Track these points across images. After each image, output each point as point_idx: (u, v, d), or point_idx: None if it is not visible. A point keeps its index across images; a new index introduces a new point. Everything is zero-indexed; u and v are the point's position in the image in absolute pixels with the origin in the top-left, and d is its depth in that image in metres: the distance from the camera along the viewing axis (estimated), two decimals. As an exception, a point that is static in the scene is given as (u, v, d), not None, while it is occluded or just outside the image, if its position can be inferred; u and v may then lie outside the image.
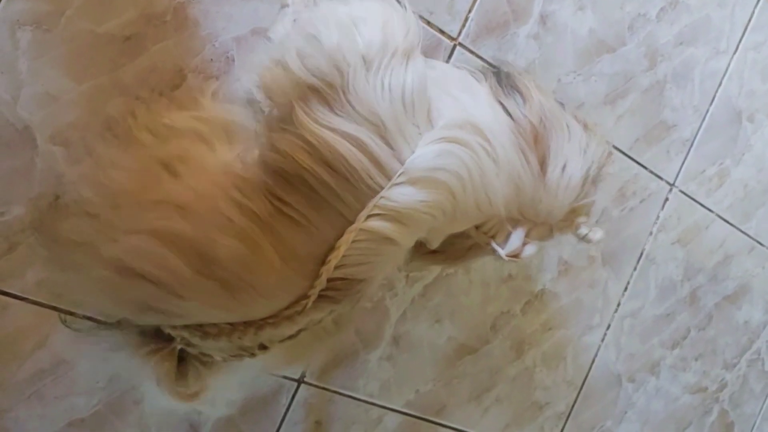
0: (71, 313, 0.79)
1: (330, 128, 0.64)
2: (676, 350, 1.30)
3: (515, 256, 0.78)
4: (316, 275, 0.66)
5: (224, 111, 0.74)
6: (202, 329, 0.67)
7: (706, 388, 1.37)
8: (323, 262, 0.65)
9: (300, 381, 0.97)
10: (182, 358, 0.71)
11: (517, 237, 0.78)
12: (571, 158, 0.75)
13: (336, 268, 0.65)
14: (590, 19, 1.04)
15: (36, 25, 0.72)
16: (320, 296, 0.67)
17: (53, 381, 0.82)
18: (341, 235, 0.65)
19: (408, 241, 0.71)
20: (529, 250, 0.78)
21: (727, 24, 1.18)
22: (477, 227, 0.78)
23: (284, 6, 0.82)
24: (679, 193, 1.21)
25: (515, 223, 0.77)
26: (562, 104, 0.82)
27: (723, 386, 1.39)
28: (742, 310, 1.36)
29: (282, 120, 0.66)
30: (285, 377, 0.95)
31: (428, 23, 0.92)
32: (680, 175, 1.20)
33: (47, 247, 0.74)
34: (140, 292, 0.64)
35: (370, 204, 0.65)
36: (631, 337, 1.24)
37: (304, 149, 0.63)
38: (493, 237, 0.78)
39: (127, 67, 0.77)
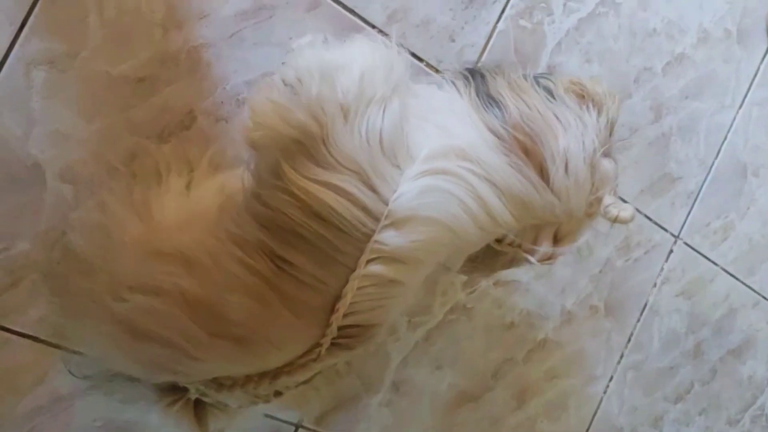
0: (76, 352, 0.79)
1: (315, 181, 0.64)
2: (679, 404, 1.29)
3: (548, 258, 0.77)
4: (327, 324, 0.66)
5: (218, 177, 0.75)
6: (217, 381, 0.67)
7: (710, 444, 1.35)
8: (332, 311, 0.65)
9: (298, 425, 0.96)
10: (198, 403, 0.71)
11: (544, 241, 0.77)
12: (570, 154, 0.72)
13: (345, 315, 0.65)
14: (596, 69, 1.05)
15: (51, 65, 0.74)
16: (333, 344, 0.67)
17: (50, 418, 0.81)
18: (346, 283, 0.65)
19: (414, 279, 0.70)
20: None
21: (733, 79, 1.19)
22: (498, 241, 0.76)
23: (291, 50, 0.84)
24: (684, 246, 1.21)
25: (538, 228, 0.76)
26: (548, 80, 0.79)
27: (727, 442, 1.37)
28: (746, 364, 1.35)
29: (270, 174, 0.66)
30: (283, 421, 0.95)
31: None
32: (685, 228, 1.21)
33: (57, 295, 0.75)
34: (154, 353, 0.65)
35: (367, 249, 0.65)
36: (634, 390, 1.23)
37: (294, 204, 0.63)
38: (519, 246, 0.77)
39: (139, 108, 0.78)
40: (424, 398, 1.04)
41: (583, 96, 0.79)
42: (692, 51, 1.14)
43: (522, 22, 0.99)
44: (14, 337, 0.76)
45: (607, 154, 0.77)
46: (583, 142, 0.73)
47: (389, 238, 0.65)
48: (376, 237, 0.65)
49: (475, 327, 1.05)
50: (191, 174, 0.78)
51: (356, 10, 0.88)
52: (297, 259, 0.64)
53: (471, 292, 1.03)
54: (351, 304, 0.65)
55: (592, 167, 0.74)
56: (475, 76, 0.77)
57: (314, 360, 0.68)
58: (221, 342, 0.64)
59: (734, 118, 1.21)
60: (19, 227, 0.75)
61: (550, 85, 0.78)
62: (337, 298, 0.66)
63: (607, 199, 0.76)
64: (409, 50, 0.91)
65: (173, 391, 0.71)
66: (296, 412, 0.94)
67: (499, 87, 0.75)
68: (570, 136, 0.72)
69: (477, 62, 0.96)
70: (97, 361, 0.76)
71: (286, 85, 0.69)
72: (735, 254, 1.28)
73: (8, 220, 0.74)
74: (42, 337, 0.78)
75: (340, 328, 0.66)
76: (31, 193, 0.75)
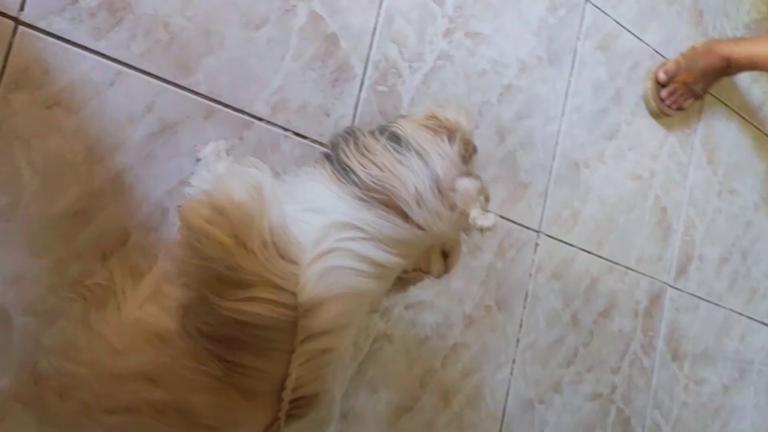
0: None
1: (237, 299, 0.74)
2: (571, 368, 1.52)
3: (444, 272, 0.93)
4: (279, 400, 0.77)
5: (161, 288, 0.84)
6: None
7: (602, 394, 1.59)
8: (281, 390, 0.77)
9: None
10: None
11: (435, 260, 0.92)
12: (419, 193, 0.83)
13: (293, 390, 0.77)
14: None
15: (-3, 219, 0.83)
16: (288, 415, 0.78)
17: None
18: (287, 365, 0.76)
19: (344, 342, 0.83)
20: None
21: (552, 95, 1.45)
22: (404, 273, 0.90)
23: (198, 159, 0.97)
24: (546, 237, 1.45)
25: (427, 252, 0.90)
26: (397, 127, 0.89)
27: (614, 388, 1.62)
28: (614, 321, 1.61)
29: (200, 302, 0.76)
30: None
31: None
32: (543, 223, 1.44)
33: (41, 418, 0.83)
34: None
35: (298, 334, 0.76)
36: (533, 366, 1.44)
37: (227, 320, 0.74)
38: (421, 270, 0.92)
39: (79, 237, 0.88)
40: (368, 420, 1.19)
41: (438, 128, 0.93)
42: (516, 80, 1.38)
43: (380, 88, 1.18)
44: (10, 466, 0.84)
45: (466, 174, 0.88)
46: (427, 170, 0.85)
47: (311, 321, 0.77)
48: (300, 323, 0.76)
49: (397, 349, 1.22)
50: (138, 280, 0.89)
51: (245, 110, 1.02)
52: (241, 357, 0.76)
53: (388, 321, 1.20)
54: (296, 379, 0.77)
55: (445, 194, 0.85)
56: (334, 148, 0.89)
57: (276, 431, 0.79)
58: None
59: (560, 126, 1.47)
60: (-4, 368, 0.83)
61: (398, 131, 0.90)
62: (281, 379, 0.77)
63: (473, 213, 0.85)
64: (294, 131, 1.07)
65: None
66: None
67: (349, 155, 0.86)
68: (416, 178, 0.84)
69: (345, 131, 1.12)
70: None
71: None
72: (586, 234, 1.53)
73: (-14, 364, 0.82)
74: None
75: (291, 401, 0.78)
76: (2, 334, 0.83)
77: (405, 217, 0.84)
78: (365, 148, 0.87)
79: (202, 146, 0.97)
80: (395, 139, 0.88)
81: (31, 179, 0.85)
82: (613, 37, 1.58)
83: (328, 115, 1.12)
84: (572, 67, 1.49)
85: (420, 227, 0.84)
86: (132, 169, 0.92)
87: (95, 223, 0.89)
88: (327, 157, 0.90)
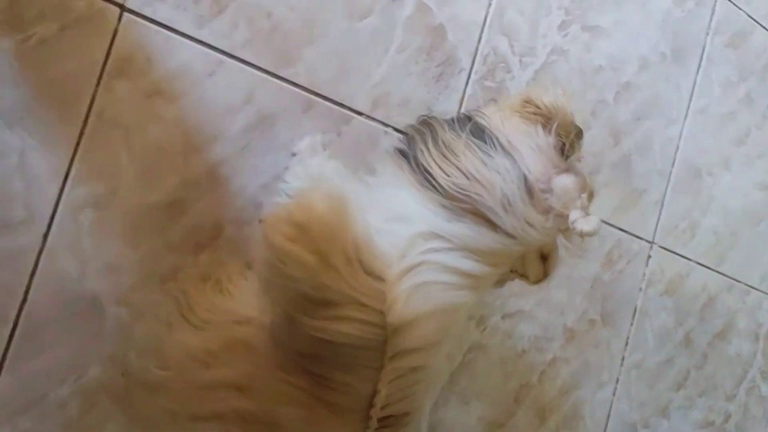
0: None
1: (324, 318, 0.70)
2: (681, 391, 1.41)
3: (542, 279, 0.85)
4: (367, 418, 0.73)
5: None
6: None
7: (713, 422, 1.47)
8: (369, 407, 0.73)
9: None
10: None
11: (532, 265, 0.84)
12: (507, 194, 0.76)
13: (382, 408, 0.73)
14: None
15: (94, 207, 0.82)
16: None
17: None
18: (375, 382, 0.72)
19: (437, 359, 0.77)
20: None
21: (675, 95, 1.33)
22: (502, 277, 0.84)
23: (294, 154, 0.94)
24: (659, 249, 1.34)
25: (522, 257, 0.82)
26: (482, 117, 0.81)
27: (728, 417, 1.49)
28: (732, 344, 1.47)
29: (286, 320, 0.73)
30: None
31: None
32: (657, 233, 1.33)
33: (128, 413, 0.83)
34: None
35: (387, 351, 0.72)
36: (639, 387, 1.34)
37: (314, 338, 0.71)
38: (517, 273, 0.85)
39: (173, 229, 0.87)
40: (458, 434, 1.14)
41: (534, 115, 0.83)
42: (636, 78, 1.28)
43: (487, 83, 1.11)
44: (96, 455, 0.84)
45: (564, 170, 0.79)
46: (518, 179, 0.77)
47: (401, 340, 0.72)
48: (389, 341, 0.71)
49: (492, 361, 1.15)
50: (228, 276, 0.87)
51: (344, 103, 0.98)
52: (328, 372, 0.72)
53: (483, 330, 1.14)
54: (385, 397, 0.72)
55: (537, 196, 0.77)
56: (410, 143, 0.83)
57: None
58: None
59: (682, 129, 1.35)
60: (88, 355, 0.83)
61: (483, 121, 0.82)
62: (370, 395, 0.73)
63: (572, 215, 0.76)
64: (394, 127, 1.02)
65: None
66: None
67: (428, 156, 0.79)
68: (503, 181, 0.76)
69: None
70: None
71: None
72: (704, 248, 1.41)
73: (79, 351, 0.82)
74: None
75: (379, 420, 0.73)
76: (94, 323, 0.83)
77: (493, 225, 0.77)
78: (445, 145, 0.79)
79: (298, 140, 0.94)
80: (479, 132, 0.80)
81: (129, 168, 0.84)
82: (746, 33, 1.44)
83: (430, 111, 1.06)
84: (699, 65, 1.36)
85: (510, 235, 0.77)
86: (228, 161, 0.90)
87: (190, 215, 0.88)
88: (403, 153, 0.83)
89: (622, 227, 1.28)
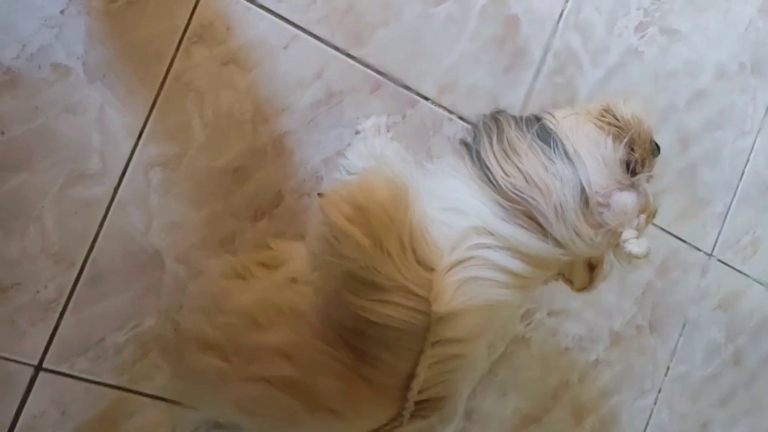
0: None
1: (371, 300, 0.72)
2: (725, 408, 1.38)
3: (589, 286, 0.85)
4: (405, 398, 0.75)
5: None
6: None
7: (756, 443, 1.44)
8: (406, 388, 0.75)
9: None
10: None
11: (578, 273, 0.85)
12: (562, 202, 0.75)
13: (419, 392, 0.74)
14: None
15: (164, 166, 0.86)
16: (411, 414, 0.76)
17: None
18: (414, 365, 0.74)
19: (476, 351, 0.79)
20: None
21: (750, 107, 1.29)
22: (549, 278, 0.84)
23: (357, 132, 0.95)
24: (718, 262, 1.31)
25: (571, 263, 0.83)
26: (550, 119, 0.81)
27: (772, 440, 1.46)
28: (784, 367, 1.44)
29: (335, 297, 0.75)
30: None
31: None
32: (717, 246, 1.30)
33: (174, 371, 0.87)
34: (263, 424, 0.78)
35: (428, 336, 0.73)
36: (682, 399, 1.32)
37: (359, 317, 0.73)
38: (567, 280, 0.86)
39: (236, 194, 0.90)
40: (492, 423, 1.14)
41: (608, 125, 0.81)
42: (711, 86, 1.25)
43: (556, 79, 1.10)
44: (147, 399, 0.88)
45: (627, 186, 0.77)
46: (576, 189, 0.75)
47: (444, 329, 0.73)
48: (432, 328, 0.73)
49: (533, 355, 1.15)
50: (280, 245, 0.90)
51: (412, 87, 1.00)
52: (370, 349, 0.74)
53: (528, 324, 1.14)
54: (423, 380, 0.74)
55: (592, 209, 0.76)
56: (475, 136, 0.83)
57: (397, 427, 0.77)
58: (318, 413, 0.75)
59: (754, 142, 1.31)
60: (146, 306, 0.87)
61: (551, 125, 0.81)
62: (407, 376, 0.74)
63: (626, 234, 0.75)
64: (458, 115, 1.03)
65: None
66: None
67: (490, 153, 0.79)
68: (560, 188, 0.75)
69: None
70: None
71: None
72: (765, 265, 1.37)
73: (138, 301, 0.86)
74: (168, 397, 0.90)
75: (416, 402, 0.75)
76: (154, 276, 0.87)
77: (544, 231, 0.76)
78: (509, 144, 0.79)
79: (363, 119, 0.96)
80: (545, 135, 0.79)
81: (200, 132, 0.87)
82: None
83: (496, 102, 1.06)
84: (779, 77, 1.32)
85: (558, 244, 0.77)
86: (294, 133, 0.93)
87: (253, 182, 0.91)
88: (466, 145, 0.83)
89: (682, 236, 1.26)
